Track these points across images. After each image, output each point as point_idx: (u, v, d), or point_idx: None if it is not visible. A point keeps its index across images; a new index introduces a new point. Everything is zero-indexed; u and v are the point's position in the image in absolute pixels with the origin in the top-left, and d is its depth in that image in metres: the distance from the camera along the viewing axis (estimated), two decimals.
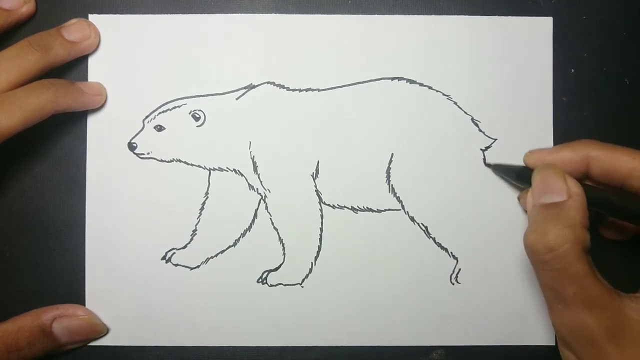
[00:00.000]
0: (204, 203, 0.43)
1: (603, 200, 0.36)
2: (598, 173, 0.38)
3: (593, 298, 0.33)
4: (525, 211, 0.42)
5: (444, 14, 0.43)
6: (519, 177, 0.40)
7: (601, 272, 0.35)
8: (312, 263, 0.43)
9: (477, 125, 0.43)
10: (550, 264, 0.34)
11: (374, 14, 0.43)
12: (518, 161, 0.42)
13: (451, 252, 0.43)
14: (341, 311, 0.43)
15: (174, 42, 0.43)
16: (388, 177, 0.43)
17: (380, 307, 0.43)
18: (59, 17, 0.42)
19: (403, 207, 0.43)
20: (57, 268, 0.43)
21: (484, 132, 0.43)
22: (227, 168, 0.43)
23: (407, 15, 0.43)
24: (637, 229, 0.40)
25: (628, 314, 0.33)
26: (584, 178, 0.39)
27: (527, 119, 0.43)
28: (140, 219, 0.43)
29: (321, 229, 0.43)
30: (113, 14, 0.43)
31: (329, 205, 0.43)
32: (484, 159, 0.43)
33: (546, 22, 0.43)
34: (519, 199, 0.42)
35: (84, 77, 0.43)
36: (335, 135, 0.43)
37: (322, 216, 0.43)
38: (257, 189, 0.43)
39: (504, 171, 0.42)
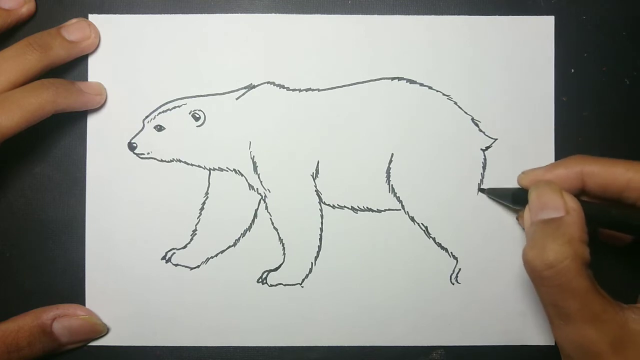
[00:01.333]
0: (204, 203, 0.43)
1: (602, 214, 0.36)
2: (594, 188, 0.38)
3: (595, 313, 0.33)
4: (524, 229, 0.42)
5: (444, 14, 0.43)
6: (515, 199, 0.40)
7: (600, 279, 0.34)
8: (312, 263, 0.43)
9: (477, 125, 0.43)
10: (551, 280, 0.33)
11: (374, 14, 0.43)
12: (519, 162, 0.42)
13: (451, 252, 0.43)
14: (341, 311, 0.43)
15: (174, 42, 0.43)
16: (388, 177, 0.43)
17: (380, 307, 0.43)
18: (59, 17, 0.42)
19: (403, 207, 0.43)
20: (57, 268, 0.43)
21: (484, 132, 0.43)
22: (227, 168, 0.43)
23: (407, 15, 0.43)
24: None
25: (631, 326, 0.33)
26: (580, 194, 0.38)
27: (527, 119, 0.43)
28: (140, 219, 0.43)
29: (321, 229, 0.43)
30: (113, 14, 0.43)
31: (329, 205, 0.43)
32: (479, 185, 0.43)
33: (547, 21, 0.43)
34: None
35: (84, 77, 0.43)
36: (335, 135, 0.43)
37: (322, 216, 0.43)
38: (257, 189, 0.43)
39: (499, 195, 0.42)
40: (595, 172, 0.37)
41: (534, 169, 0.40)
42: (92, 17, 0.43)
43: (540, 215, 0.35)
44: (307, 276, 0.43)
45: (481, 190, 0.42)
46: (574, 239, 0.34)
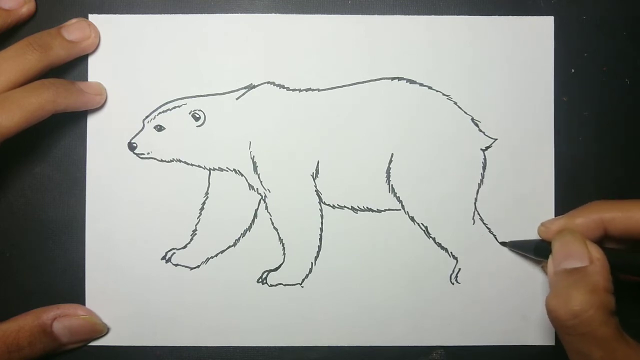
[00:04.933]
0: (204, 203, 0.43)
1: (627, 263, 0.35)
2: (616, 233, 0.37)
3: None
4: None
5: (444, 14, 0.43)
6: (537, 251, 0.40)
7: (628, 323, 0.34)
8: (312, 263, 0.43)
9: (477, 125, 0.43)
10: (575, 329, 0.33)
11: (374, 14, 0.43)
12: (519, 162, 0.42)
13: (451, 252, 0.43)
14: (341, 311, 0.43)
15: (174, 42, 0.43)
16: (388, 177, 0.43)
17: (380, 307, 0.43)
18: (59, 17, 0.42)
19: (403, 207, 0.43)
20: (57, 268, 0.43)
21: (484, 132, 0.43)
22: (227, 168, 0.43)
23: (407, 16, 0.43)
24: None
25: None
26: (604, 240, 0.38)
27: (527, 119, 0.43)
28: (140, 219, 0.43)
29: (321, 229, 0.43)
30: (113, 14, 0.43)
31: (329, 205, 0.43)
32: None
33: (547, 21, 0.43)
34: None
35: (84, 77, 0.43)
36: (335, 135, 0.43)
37: (322, 216, 0.43)
38: (257, 189, 0.43)
39: (520, 248, 0.42)
40: (616, 218, 0.37)
41: (553, 220, 0.40)
42: (92, 17, 0.43)
43: (564, 265, 0.35)
44: (307, 276, 0.43)
45: (502, 243, 0.42)
46: (598, 288, 0.34)
